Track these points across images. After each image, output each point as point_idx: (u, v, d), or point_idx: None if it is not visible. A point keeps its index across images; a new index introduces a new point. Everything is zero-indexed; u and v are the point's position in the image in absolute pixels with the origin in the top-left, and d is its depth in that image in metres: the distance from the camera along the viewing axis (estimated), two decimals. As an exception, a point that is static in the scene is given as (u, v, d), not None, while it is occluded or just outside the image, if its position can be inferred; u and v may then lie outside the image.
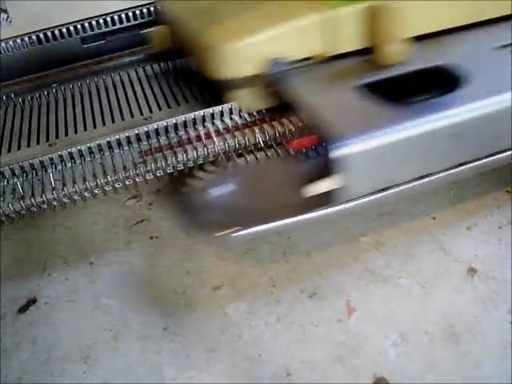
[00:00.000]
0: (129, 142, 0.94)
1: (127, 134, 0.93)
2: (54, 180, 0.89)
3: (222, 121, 0.95)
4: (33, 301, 1.03)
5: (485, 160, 0.86)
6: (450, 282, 0.96)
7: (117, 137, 0.93)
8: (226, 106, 0.94)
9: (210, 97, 1.00)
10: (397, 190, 0.82)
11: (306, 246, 1.06)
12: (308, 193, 0.76)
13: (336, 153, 0.72)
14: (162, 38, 1.13)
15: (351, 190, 0.78)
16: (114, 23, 1.26)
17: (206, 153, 0.90)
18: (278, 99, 0.91)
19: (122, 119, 1.00)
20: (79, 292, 1.04)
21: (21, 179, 0.90)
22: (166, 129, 0.94)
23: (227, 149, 0.90)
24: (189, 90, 1.05)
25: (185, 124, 0.95)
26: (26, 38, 1.20)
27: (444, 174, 0.84)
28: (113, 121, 1.01)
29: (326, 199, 0.78)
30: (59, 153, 0.92)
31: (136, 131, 0.93)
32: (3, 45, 1.19)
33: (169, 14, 1.12)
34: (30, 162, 0.91)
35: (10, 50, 1.20)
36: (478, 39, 0.95)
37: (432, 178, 0.83)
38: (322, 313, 0.94)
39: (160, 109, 1.01)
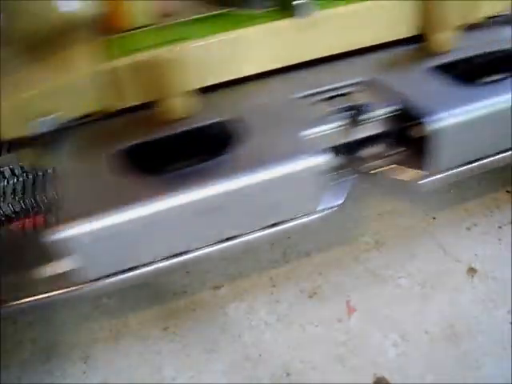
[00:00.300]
0: None
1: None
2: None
3: None
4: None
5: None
6: (450, 282, 0.96)
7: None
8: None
9: None
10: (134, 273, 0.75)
11: (306, 246, 1.05)
12: (42, 274, 0.72)
13: (61, 234, 0.67)
14: None
15: (88, 271, 0.72)
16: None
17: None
18: (44, 163, 0.82)
19: None
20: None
21: (21, 179, 0.90)
22: None
23: None
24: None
25: None
26: (26, 38, 1.20)
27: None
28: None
29: (65, 279, 0.72)
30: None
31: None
32: (3, 45, 1.19)
33: None
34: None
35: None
36: (275, 88, 0.87)
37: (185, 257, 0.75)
38: (322, 313, 0.94)
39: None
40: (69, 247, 0.68)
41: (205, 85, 0.83)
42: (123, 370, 0.89)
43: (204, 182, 0.70)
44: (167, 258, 0.75)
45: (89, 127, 0.83)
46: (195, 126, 0.80)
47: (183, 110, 0.80)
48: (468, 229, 1.06)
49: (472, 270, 0.97)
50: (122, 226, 0.68)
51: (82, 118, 0.81)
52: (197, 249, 0.75)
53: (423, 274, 0.98)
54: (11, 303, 0.75)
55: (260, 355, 0.89)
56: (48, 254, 0.69)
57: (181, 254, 0.75)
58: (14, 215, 0.81)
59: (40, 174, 0.83)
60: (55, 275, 0.72)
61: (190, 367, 0.88)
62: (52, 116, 0.76)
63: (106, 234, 0.69)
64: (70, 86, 0.78)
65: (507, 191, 1.12)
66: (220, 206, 0.72)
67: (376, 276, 0.98)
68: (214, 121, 0.80)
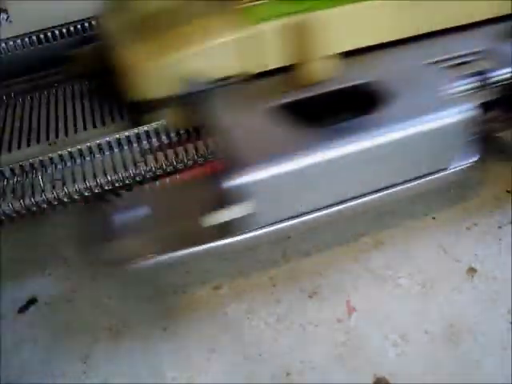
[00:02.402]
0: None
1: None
2: (54, 179, 0.88)
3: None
4: (33, 301, 1.03)
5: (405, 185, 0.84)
6: (450, 282, 0.96)
7: (117, 136, 0.93)
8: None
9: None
10: (306, 218, 0.80)
11: (306, 246, 1.05)
12: (210, 222, 0.73)
13: (237, 181, 0.70)
14: (85, 58, 1.09)
15: (256, 219, 0.75)
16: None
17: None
18: (196, 120, 0.87)
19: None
20: (79, 292, 1.04)
21: (21, 179, 0.90)
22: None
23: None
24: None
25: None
26: (26, 38, 1.20)
27: (364, 199, 0.82)
28: (112, 120, 1.01)
29: (230, 228, 0.75)
30: (59, 152, 0.91)
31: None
32: (3, 45, 1.19)
33: (103, 30, 1.05)
34: (30, 161, 0.91)
35: (9, 49, 1.20)
36: (407, 55, 0.93)
37: (346, 205, 0.81)
38: (322, 313, 0.94)
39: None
40: (241, 194, 0.72)
41: (344, 50, 0.88)
42: (123, 369, 0.89)
43: (358, 135, 0.77)
44: (330, 206, 0.81)
45: (231, 89, 0.87)
46: (338, 87, 0.86)
47: (324, 72, 0.85)
48: (468, 229, 1.06)
49: (472, 270, 0.97)
50: (291, 174, 0.74)
51: (223, 80, 0.86)
52: (354, 198, 0.82)
53: (423, 274, 0.98)
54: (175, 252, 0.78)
55: (260, 355, 0.89)
56: (219, 202, 0.73)
57: (341, 202, 0.81)
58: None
59: (190, 130, 0.88)
60: (225, 223, 0.75)
61: (190, 367, 0.88)
62: (195, 78, 0.82)
63: (277, 181, 0.73)
64: (216, 49, 0.84)
65: (507, 191, 1.12)
66: (372, 158, 0.78)
67: (376, 276, 0.98)
68: (357, 82, 0.86)
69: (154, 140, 0.90)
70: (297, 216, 0.80)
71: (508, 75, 0.90)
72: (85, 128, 0.99)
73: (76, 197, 0.87)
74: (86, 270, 1.08)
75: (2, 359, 0.92)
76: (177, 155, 0.86)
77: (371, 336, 0.89)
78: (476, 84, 0.89)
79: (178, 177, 0.84)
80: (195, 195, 0.83)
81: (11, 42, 1.20)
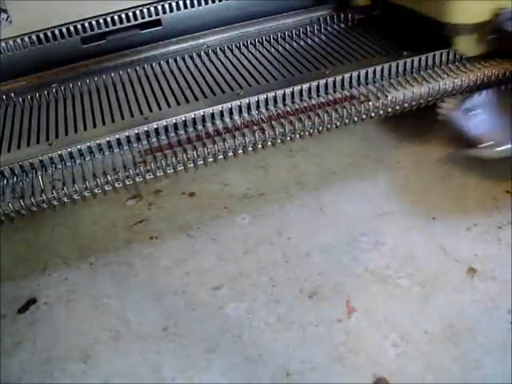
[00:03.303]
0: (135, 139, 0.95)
1: (136, 131, 0.94)
2: (54, 179, 0.89)
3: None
4: (33, 301, 1.03)
5: None
6: (450, 282, 0.96)
7: (117, 136, 0.93)
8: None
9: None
10: None
11: (306, 246, 1.05)
12: None
13: None
14: None
15: None
16: (114, 23, 1.26)
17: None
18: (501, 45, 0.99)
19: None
20: (79, 292, 1.04)
21: (21, 179, 0.90)
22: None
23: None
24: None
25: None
26: (26, 38, 1.20)
27: None
28: (113, 120, 1.01)
29: None
30: (59, 152, 0.92)
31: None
32: (3, 45, 1.19)
33: None
34: (30, 161, 0.91)
35: (9, 49, 1.20)
36: None
37: None
38: (322, 313, 0.93)
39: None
40: None
41: None
42: (123, 370, 0.89)
43: None
44: None
45: None
46: None
47: None
48: (468, 229, 1.06)
49: (472, 270, 0.97)
50: None
51: None
52: None
53: (423, 274, 0.98)
54: None
55: (260, 355, 0.88)
56: None
57: None
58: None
59: None
60: None
61: (190, 367, 0.88)
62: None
63: None
64: None
65: (507, 191, 1.12)
66: None
67: (376, 276, 0.98)
68: None
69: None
70: None
71: None
72: (85, 128, 0.99)
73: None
74: (86, 270, 1.08)
75: (1, 359, 0.92)
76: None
77: (371, 336, 0.89)
78: None
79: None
80: None
81: (11, 42, 1.20)
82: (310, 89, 1.01)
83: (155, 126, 0.94)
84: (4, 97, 1.13)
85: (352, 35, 1.20)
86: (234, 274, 1.02)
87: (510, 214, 1.07)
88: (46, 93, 1.11)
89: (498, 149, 0.91)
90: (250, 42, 1.24)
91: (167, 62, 1.20)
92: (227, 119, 0.97)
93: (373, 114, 1.03)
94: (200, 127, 0.96)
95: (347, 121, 1.01)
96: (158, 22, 1.28)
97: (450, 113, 0.98)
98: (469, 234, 1.05)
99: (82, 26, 1.23)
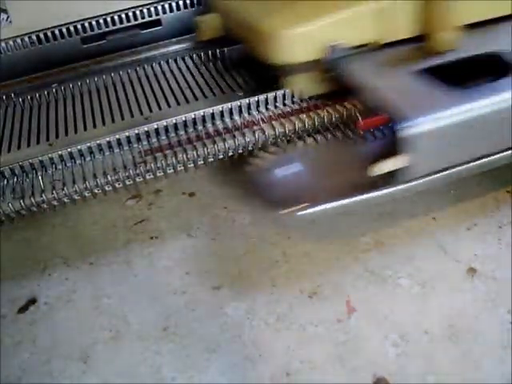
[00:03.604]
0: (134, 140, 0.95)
1: (137, 131, 0.94)
2: (54, 180, 0.88)
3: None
4: (33, 301, 1.03)
5: None
6: (450, 282, 0.96)
7: (117, 136, 0.93)
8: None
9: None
10: (460, 168, 0.86)
11: (306, 246, 1.05)
12: (374, 172, 0.78)
13: (404, 132, 0.75)
14: (209, 27, 1.15)
15: (417, 169, 0.81)
16: (114, 23, 1.26)
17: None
18: (335, 84, 0.94)
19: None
20: (79, 292, 1.04)
21: (21, 179, 0.90)
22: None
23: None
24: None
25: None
26: (26, 38, 1.20)
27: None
28: (113, 120, 1.01)
29: (391, 178, 0.80)
30: (59, 152, 0.92)
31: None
32: (3, 45, 1.19)
33: (219, 1, 1.14)
34: (30, 161, 0.91)
35: (10, 49, 1.20)
36: None
37: (492, 158, 0.86)
38: (322, 313, 0.93)
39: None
40: (409, 145, 0.76)
41: (472, 21, 0.93)
42: (123, 370, 0.89)
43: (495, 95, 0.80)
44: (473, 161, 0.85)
45: (371, 55, 0.93)
46: (473, 54, 0.89)
47: (451, 43, 0.89)
48: (468, 229, 1.06)
49: (472, 270, 0.97)
50: (451, 128, 0.79)
51: (361, 47, 0.92)
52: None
53: (423, 274, 0.98)
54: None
55: (260, 355, 0.88)
56: (389, 151, 0.78)
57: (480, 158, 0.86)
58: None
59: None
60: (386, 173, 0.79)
61: (190, 367, 0.88)
62: (337, 43, 0.90)
63: (439, 133, 0.79)
64: (353, 18, 0.90)
65: (507, 191, 1.12)
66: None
67: (376, 276, 0.98)
68: (486, 51, 0.90)
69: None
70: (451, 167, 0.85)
71: None
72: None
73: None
74: (86, 269, 1.08)
75: (1, 359, 0.92)
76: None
77: (371, 336, 0.89)
78: None
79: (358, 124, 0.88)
80: (353, 149, 0.89)
81: (11, 42, 1.20)
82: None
83: (155, 127, 0.94)
84: (4, 97, 1.12)
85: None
86: (234, 274, 1.03)
87: (510, 213, 1.07)
88: (45, 93, 1.11)
89: (310, 210, 0.80)
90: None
91: (167, 62, 1.20)
92: (227, 119, 0.97)
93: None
94: (200, 127, 0.96)
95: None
96: (158, 22, 1.28)
97: (259, 170, 0.86)
98: (469, 233, 1.05)
99: (82, 25, 1.23)
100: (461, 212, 1.09)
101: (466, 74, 0.88)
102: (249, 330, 0.92)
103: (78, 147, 0.92)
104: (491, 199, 1.11)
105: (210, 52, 1.16)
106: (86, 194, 0.89)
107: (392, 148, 0.78)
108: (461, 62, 0.89)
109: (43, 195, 0.86)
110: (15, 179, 0.90)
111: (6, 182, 0.90)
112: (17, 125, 1.05)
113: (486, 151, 0.86)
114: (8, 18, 1.21)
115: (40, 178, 0.90)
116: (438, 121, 0.78)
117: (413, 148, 0.77)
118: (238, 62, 1.12)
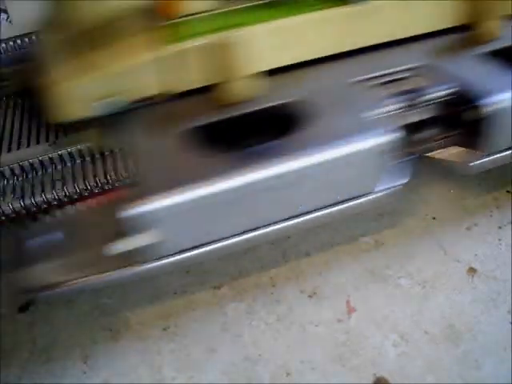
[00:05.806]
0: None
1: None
2: (54, 180, 0.88)
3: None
4: (33, 301, 1.03)
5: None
6: (450, 282, 0.96)
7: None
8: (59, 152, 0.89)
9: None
10: (213, 247, 0.78)
11: (306, 246, 1.05)
12: (112, 251, 0.72)
13: (140, 209, 0.69)
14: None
15: (162, 248, 0.74)
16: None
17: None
18: (112, 143, 0.85)
19: None
20: (79, 292, 1.03)
21: (21, 179, 0.90)
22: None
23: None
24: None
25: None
26: (26, 38, 1.20)
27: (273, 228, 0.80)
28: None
29: (135, 256, 0.74)
30: (59, 152, 0.91)
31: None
32: (3, 45, 1.19)
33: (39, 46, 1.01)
34: (30, 161, 0.91)
35: (9, 49, 1.20)
36: (336, 73, 0.90)
37: (257, 233, 0.79)
38: (322, 313, 0.94)
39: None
40: (144, 222, 0.70)
41: (265, 69, 0.86)
42: (123, 370, 0.89)
43: (272, 160, 0.73)
44: (239, 234, 0.78)
45: (151, 109, 0.85)
46: (260, 107, 0.83)
47: (247, 92, 0.82)
48: (468, 229, 1.06)
49: (472, 270, 0.97)
50: (198, 201, 0.71)
51: (143, 100, 0.83)
52: (266, 225, 0.79)
53: (423, 274, 0.98)
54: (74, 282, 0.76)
55: (260, 355, 0.89)
56: (122, 230, 0.70)
57: (250, 230, 0.79)
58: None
59: (107, 153, 0.84)
60: (127, 252, 0.73)
61: (189, 367, 0.88)
62: (115, 98, 0.80)
63: (182, 209, 0.71)
64: (133, 70, 0.81)
65: (507, 191, 1.12)
66: (288, 183, 0.75)
67: (376, 276, 0.98)
68: (279, 102, 0.83)
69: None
70: (205, 244, 0.78)
71: (443, 93, 0.85)
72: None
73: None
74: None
75: (1, 359, 0.92)
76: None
77: (371, 336, 0.89)
78: (407, 103, 0.85)
79: (90, 201, 0.82)
80: (101, 222, 0.79)
81: (11, 42, 1.20)
82: None
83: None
84: (4, 97, 1.12)
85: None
86: (234, 274, 1.03)
87: (510, 213, 1.07)
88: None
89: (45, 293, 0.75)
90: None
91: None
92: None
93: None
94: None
95: None
96: None
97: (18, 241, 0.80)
98: (469, 233, 1.05)
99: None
100: (461, 212, 1.09)
101: (253, 129, 0.80)
102: (249, 329, 0.93)
103: (78, 147, 0.92)
104: (491, 199, 1.11)
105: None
106: (86, 195, 0.89)
107: (131, 225, 0.70)
108: (248, 115, 0.81)
109: (43, 195, 0.86)
110: (15, 179, 0.90)
111: (5, 181, 0.90)
112: (17, 125, 1.05)
113: (248, 226, 0.78)
114: (8, 17, 1.21)
115: (40, 177, 0.90)
116: (184, 195, 0.70)
117: (154, 225, 0.70)
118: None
